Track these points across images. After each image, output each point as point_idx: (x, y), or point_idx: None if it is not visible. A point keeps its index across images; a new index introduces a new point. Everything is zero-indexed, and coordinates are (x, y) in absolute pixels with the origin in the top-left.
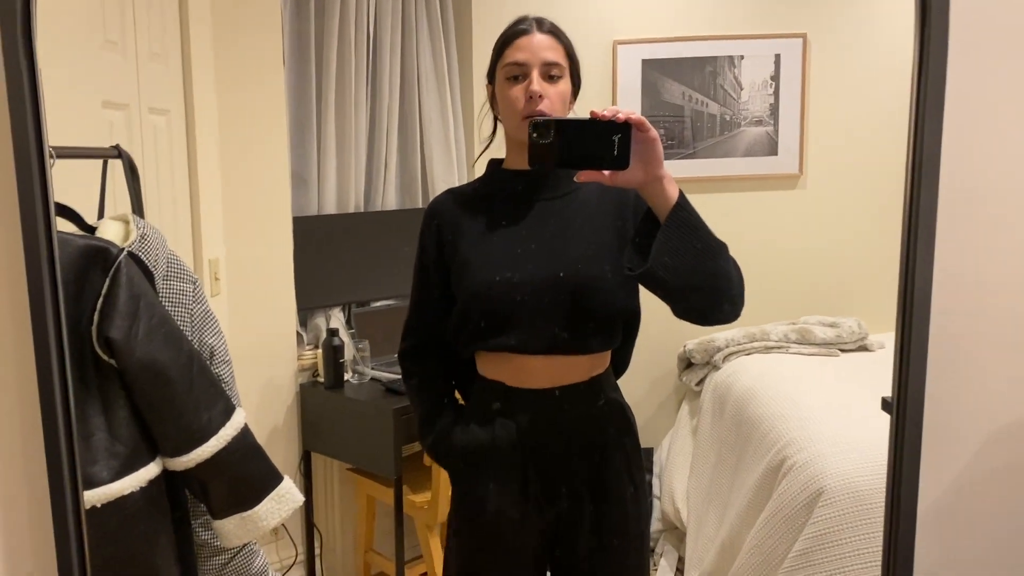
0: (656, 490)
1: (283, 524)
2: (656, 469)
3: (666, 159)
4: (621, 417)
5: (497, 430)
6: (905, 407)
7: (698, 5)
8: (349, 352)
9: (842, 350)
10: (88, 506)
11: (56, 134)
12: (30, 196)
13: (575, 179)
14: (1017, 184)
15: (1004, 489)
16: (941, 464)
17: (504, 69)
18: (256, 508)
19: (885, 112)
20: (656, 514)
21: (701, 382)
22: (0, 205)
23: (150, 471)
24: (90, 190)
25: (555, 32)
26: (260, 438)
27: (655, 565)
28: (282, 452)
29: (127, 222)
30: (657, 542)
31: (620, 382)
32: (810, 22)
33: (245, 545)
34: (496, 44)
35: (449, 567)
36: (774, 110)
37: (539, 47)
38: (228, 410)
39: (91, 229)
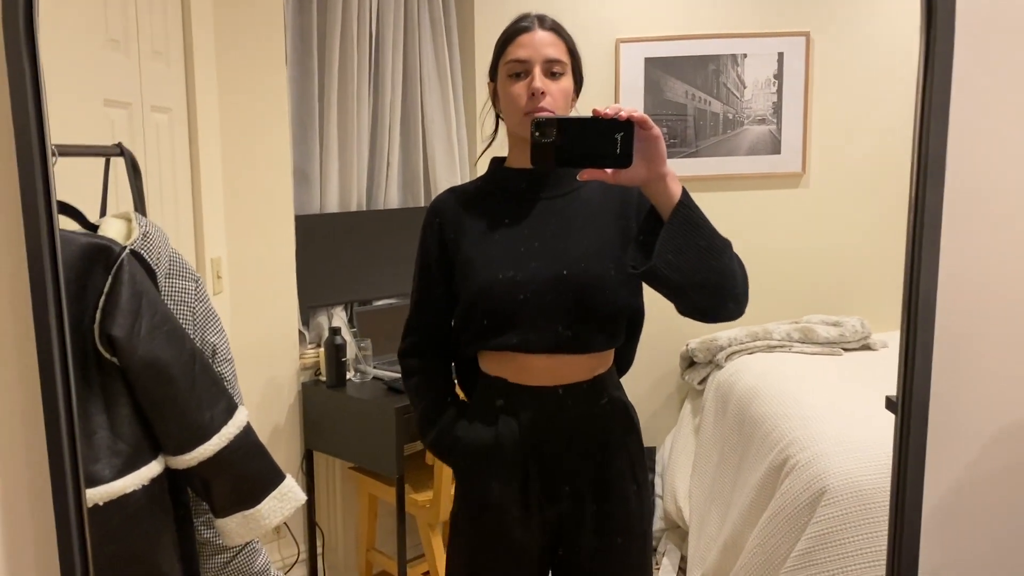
0: (658, 489)
1: (285, 523)
2: (658, 468)
3: (669, 158)
4: (624, 416)
5: (500, 428)
6: (910, 406)
7: (701, 3)
8: (351, 351)
9: (845, 349)
10: (90, 504)
11: (58, 132)
12: (32, 194)
13: (578, 178)
14: (1022, 183)
15: (1009, 488)
16: (946, 463)
17: (506, 66)
18: (258, 507)
19: (888, 111)
20: (658, 513)
21: (703, 381)
22: (2, 203)
23: (152, 469)
24: (92, 188)
25: (557, 29)
26: (262, 437)
27: (657, 564)
28: (284, 451)
29: (129, 220)
30: (659, 541)
31: (622, 381)
32: (813, 20)
33: (247, 543)
34: (498, 42)
35: (452, 565)
36: (777, 109)
37: (541, 44)
38: (230, 408)
39: (93, 227)
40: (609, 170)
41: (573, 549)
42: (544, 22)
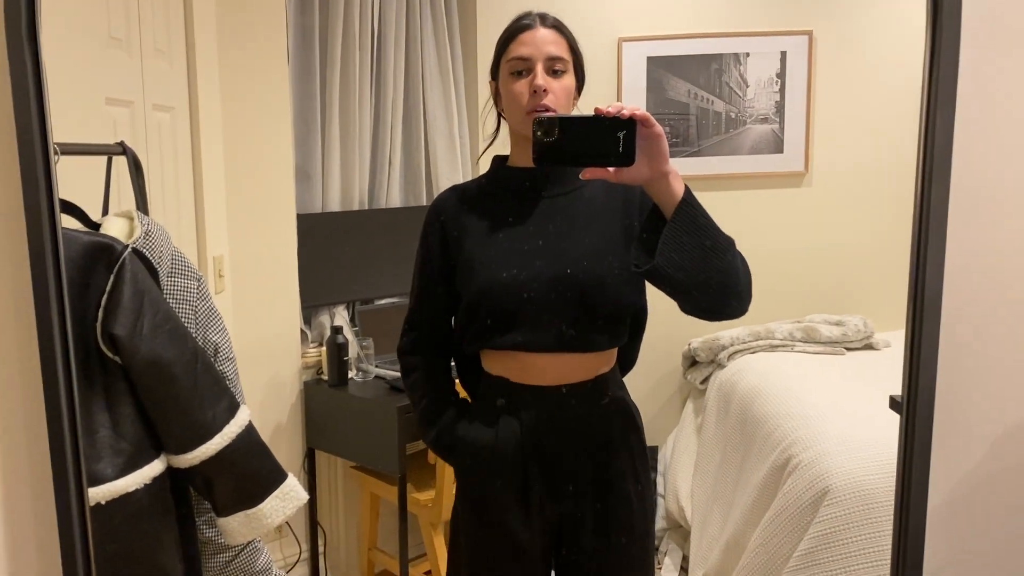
0: (660, 488)
1: (287, 522)
2: (660, 467)
3: (671, 157)
4: (626, 415)
5: (501, 427)
6: (915, 405)
7: (704, 2)
8: (353, 350)
9: (848, 348)
10: (92, 503)
11: (60, 131)
12: (35, 193)
13: (580, 176)
14: None
15: (1014, 488)
16: (950, 463)
17: (508, 64)
18: (260, 506)
19: (891, 110)
20: (660, 512)
21: (706, 380)
22: (5, 202)
23: (154, 468)
24: (94, 187)
25: (558, 27)
26: (264, 436)
27: (659, 564)
28: (286, 450)
29: (131, 219)
30: (661, 540)
31: (625, 380)
32: (816, 19)
33: (249, 542)
34: (499, 40)
35: (452, 565)
36: (780, 108)
37: (543, 41)
38: (232, 407)
39: (95, 226)
40: (611, 169)
41: (576, 548)
42: (546, 20)
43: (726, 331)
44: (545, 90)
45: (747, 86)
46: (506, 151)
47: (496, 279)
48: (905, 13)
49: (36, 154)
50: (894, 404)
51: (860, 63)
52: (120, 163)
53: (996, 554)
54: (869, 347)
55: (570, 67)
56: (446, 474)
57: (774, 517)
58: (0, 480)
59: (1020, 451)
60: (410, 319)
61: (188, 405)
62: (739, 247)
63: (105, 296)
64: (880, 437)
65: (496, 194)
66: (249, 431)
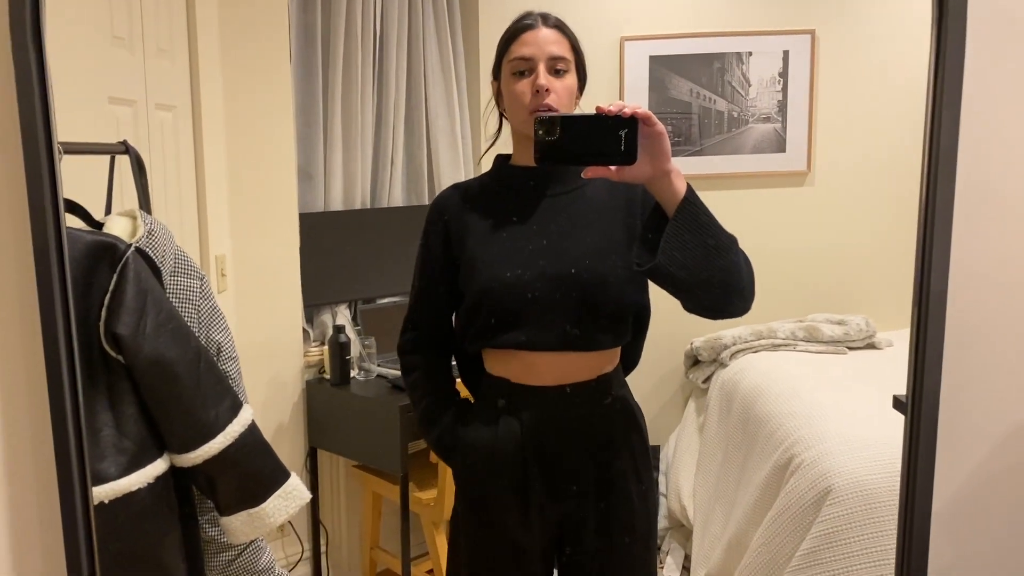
0: (663, 487)
1: (289, 521)
2: (662, 467)
3: (673, 156)
4: (627, 415)
5: (501, 427)
6: (920, 404)
7: (706, 1)
8: (355, 349)
9: (850, 348)
10: (96, 502)
11: (63, 130)
12: (39, 192)
13: (582, 175)
14: None
15: (1019, 487)
16: (956, 462)
17: (510, 64)
18: (263, 505)
19: (894, 109)
20: (662, 512)
21: (708, 380)
22: (10, 201)
23: (157, 467)
24: (97, 186)
25: (560, 26)
26: (266, 435)
27: (661, 563)
28: (288, 449)
29: (134, 218)
30: (664, 540)
31: (626, 379)
32: (819, 18)
33: (252, 541)
34: (501, 40)
35: (452, 565)
36: (782, 107)
37: (545, 41)
38: (235, 406)
39: (98, 225)
40: (613, 167)
41: (579, 549)
42: (547, 20)
43: (728, 330)
44: (547, 90)
45: (749, 85)
46: (508, 151)
47: (500, 278)
48: (907, 12)
49: (40, 153)
50: (898, 404)
51: (862, 62)
52: (123, 162)
53: (1002, 554)
54: (871, 346)
55: (572, 67)
56: (448, 473)
57: (776, 516)
58: (5, 479)
59: None
60: (410, 317)
61: (191, 404)
62: (741, 246)
63: (108, 295)
64: (882, 436)
65: (499, 192)
66: (252, 430)
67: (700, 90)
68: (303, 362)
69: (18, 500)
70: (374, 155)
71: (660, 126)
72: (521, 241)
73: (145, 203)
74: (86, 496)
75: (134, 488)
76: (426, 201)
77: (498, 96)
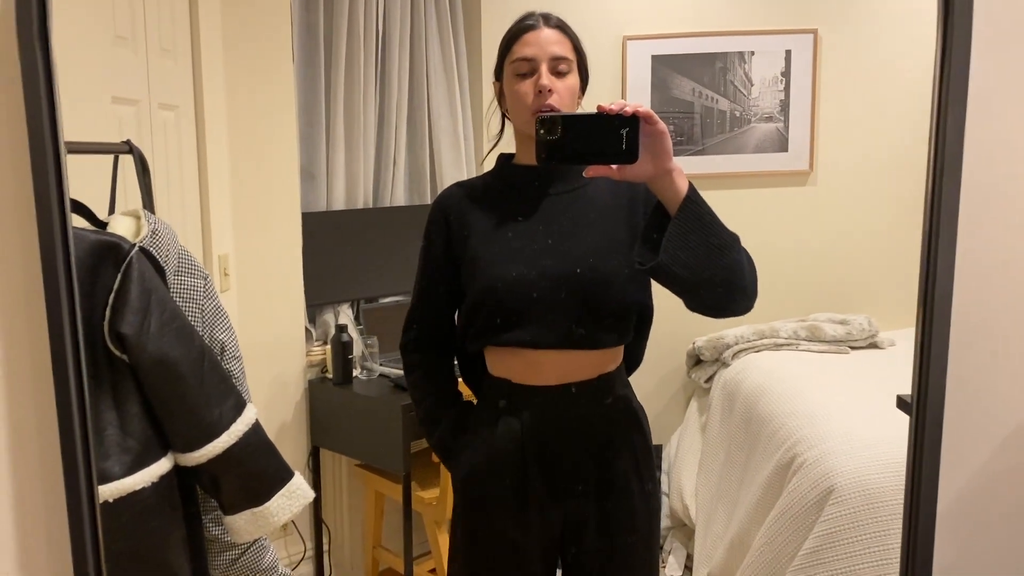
0: (665, 487)
1: (292, 520)
2: (665, 466)
3: (675, 155)
4: (630, 414)
5: (502, 428)
6: (925, 404)
7: (708, 1)
8: (358, 348)
9: (852, 347)
10: (100, 501)
11: (67, 130)
12: (46, 191)
13: (584, 174)
14: None
15: None
16: (960, 462)
17: (512, 65)
18: (267, 504)
19: (896, 108)
20: (665, 511)
21: (710, 379)
22: (16, 201)
23: (162, 466)
24: (100, 186)
25: (562, 27)
26: (269, 434)
27: (663, 562)
28: (291, 448)
29: (138, 217)
30: (666, 539)
31: (630, 379)
32: (821, 18)
33: (256, 540)
34: (503, 41)
35: (453, 564)
36: (784, 106)
37: (547, 41)
38: (239, 406)
39: (102, 224)
40: (615, 166)
41: (581, 549)
42: (549, 20)
43: (730, 330)
44: (550, 90)
45: (752, 85)
46: (511, 151)
47: (504, 277)
48: (910, 11)
49: (47, 153)
50: (902, 404)
51: (865, 62)
52: (126, 162)
53: (1007, 553)
54: (874, 346)
55: (574, 67)
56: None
57: (779, 516)
58: (11, 479)
59: None
60: (412, 314)
61: (195, 403)
62: (743, 245)
63: (112, 295)
64: (885, 436)
65: (502, 191)
66: (256, 429)
67: (702, 89)
68: (305, 361)
69: (24, 500)
70: (376, 155)
71: (661, 125)
72: (525, 240)
73: (148, 203)
74: (92, 496)
75: (138, 487)
76: (428, 201)
77: (500, 97)
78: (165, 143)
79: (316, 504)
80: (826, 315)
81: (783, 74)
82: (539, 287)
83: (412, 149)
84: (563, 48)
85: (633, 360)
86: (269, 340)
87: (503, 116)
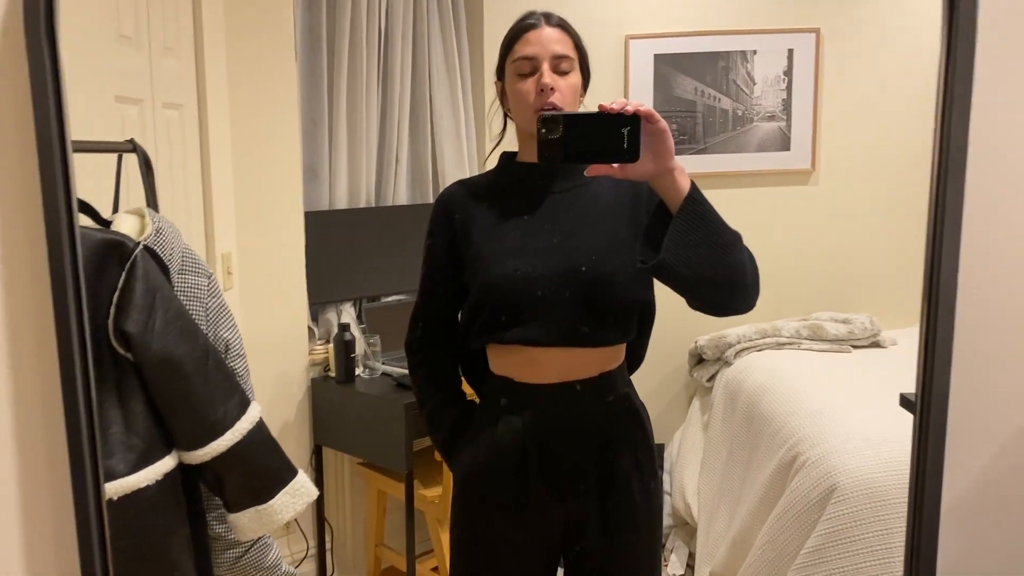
0: (667, 485)
1: (295, 518)
2: (667, 465)
3: (678, 154)
4: (632, 413)
5: (502, 427)
6: (929, 403)
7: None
8: (360, 347)
9: (854, 346)
10: (105, 499)
11: (71, 128)
12: (53, 190)
13: (585, 173)
14: None
15: None
16: (964, 461)
17: (514, 64)
18: (271, 502)
19: (898, 107)
20: (667, 509)
21: (712, 378)
22: (23, 199)
23: (166, 464)
24: (104, 184)
25: (563, 25)
26: (271, 432)
27: (665, 560)
28: (293, 446)
29: (142, 216)
30: (668, 537)
31: (632, 378)
32: (823, 17)
33: (259, 538)
34: (504, 40)
35: (454, 564)
36: (787, 105)
37: (548, 40)
38: (243, 404)
39: (107, 223)
40: (617, 165)
41: (583, 547)
42: (550, 19)
43: (733, 329)
44: (552, 89)
45: (754, 84)
46: (513, 150)
47: (507, 274)
48: (912, 10)
49: (54, 152)
50: (905, 402)
51: (867, 61)
52: (130, 160)
53: (1012, 552)
54: (876, 345)
55: (576, 65)
56: None
57: (781, 514)
58: (18, 478)
59: None
60: (417, 313)
61: (199, 402)
62: (746, 244)
63: (117, 293)
64: (887, 435)
65: (505, 189)
66: (260, 427)
67: (705, 88)
68: (308, 360)
69: (31, 498)
70: (379, 153)
71: (663, 123)
72: (529, 237)
73: (152, 201)
74: (99, 494)
75: (143, 485)
76: (430, 200)
77: (502, 96)
78: (169, 142)
79: (319, 502)
80: (828, 314)
81: (785, 73)
82: (543, 285)
83: (414, 148)
84: (565, 47)
85: (635, 358)
86: (272, 339)
87: (505, 115)
